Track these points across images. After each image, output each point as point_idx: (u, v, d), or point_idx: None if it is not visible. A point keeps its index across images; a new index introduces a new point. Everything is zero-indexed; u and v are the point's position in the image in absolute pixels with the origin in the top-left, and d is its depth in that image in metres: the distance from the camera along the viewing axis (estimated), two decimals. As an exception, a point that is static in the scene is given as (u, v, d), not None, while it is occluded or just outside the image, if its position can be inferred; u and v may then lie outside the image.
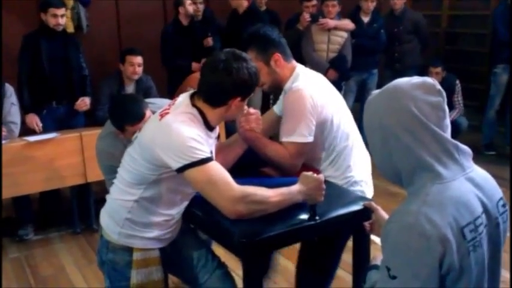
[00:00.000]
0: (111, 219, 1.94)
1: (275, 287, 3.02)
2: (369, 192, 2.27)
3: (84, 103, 4.03)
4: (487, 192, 1.30)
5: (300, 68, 2.22)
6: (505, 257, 1.38)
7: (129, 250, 1.93)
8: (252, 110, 2.10)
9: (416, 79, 1.31)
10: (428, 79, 1.31)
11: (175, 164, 1.71)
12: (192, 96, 1.86)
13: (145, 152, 1.80)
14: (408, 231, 1.20)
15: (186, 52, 4.83)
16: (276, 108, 2.39)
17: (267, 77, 2.15)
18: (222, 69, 1.75)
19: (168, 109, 1.84)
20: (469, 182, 1.28)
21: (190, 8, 4.84)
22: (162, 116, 1.81)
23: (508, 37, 5.02)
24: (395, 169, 1.31)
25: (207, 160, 1.71)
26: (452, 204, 1.22)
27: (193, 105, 1.83)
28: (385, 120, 1.28)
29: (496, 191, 1.34)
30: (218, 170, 1.73)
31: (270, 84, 2.19)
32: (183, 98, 1.87)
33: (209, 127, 1.84)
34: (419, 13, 5.73)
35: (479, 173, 1.34)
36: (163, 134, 1.75)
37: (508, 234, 1.36)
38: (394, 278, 1.21)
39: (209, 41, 4.87)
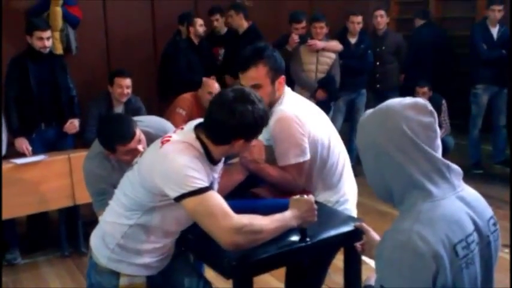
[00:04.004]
0: (102, 243, 1.92)
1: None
2: (355, 212, 2.29)
3: (73, 126, 4.01)
4: (478, 210, 1.32)
5: (288, 91, 2.23)
6: (497, 277, 1.39)
7: (116, 274, 1.91)
8: (254, 141, 2.10)
9: (408, 100, 1.33)
10: (420, 100, 1.34)
11: (173, 193, 1.69)
12: (197, 127, 1.82)
13: (144, 180, 1.78)
14: (402, 249, 1.21)
15: (198, 69, 4.91)
16: (262, 138, 2.40)
17: (268, 97, 2.10)
18: (227, 109, 1.71)
19: (170, 137, 1.80)
20: (459, 200, 1.30)
21: (201, 29, 4.99)
22: (162, 143, 1.78)
23: (489, 56, 5.09)
24: (388, 188, 1.32)
25: (204, 190, 1.69)
26: (443, 222, 1.23)
27: (198, 137, 1.78)
28: (377, 139, 1.30)
29: (487, 210, 1.36)
30: (216, 200, 1.70)
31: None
32: (188, 129, 1.83)
33: (212, 161, 1.81)
34: (400, 35, 5.81)
35: (470, 192, 1.36)
36: (161, 163, 1.73)
37: (504, 255, 1.37)
38: None
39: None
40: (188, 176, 1.68)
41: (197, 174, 1.69)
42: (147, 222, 1.84)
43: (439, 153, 1.31)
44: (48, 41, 3.86)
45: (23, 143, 3.80)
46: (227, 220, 1.66)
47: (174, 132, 1.86)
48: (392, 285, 1.21)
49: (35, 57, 3.86)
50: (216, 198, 1.71)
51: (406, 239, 1.21)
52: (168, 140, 1.78)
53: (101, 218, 2.01)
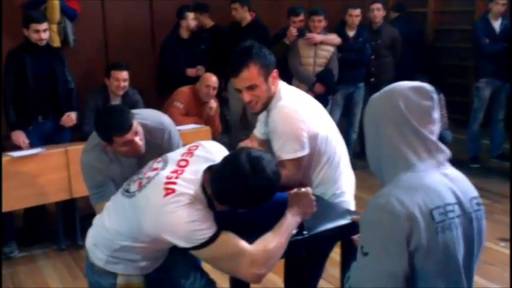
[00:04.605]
0: (97, 248, 1.92)
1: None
2: (353, 204, 2.31)
3: (70, 119, 3.99)
4: (461, 187, 1.38)
5: (283, 85, 2.23)
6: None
7: (114, 273, 1.91)
8: (249, 142, 2.08)
9: (415, 82, 1.42)
10: (426, 85, 1.41)
11: (184, 245, 1.69)
12: (205, 172, 1.75)
13: (142, 225, 1.74)
14: (380, 211, 1.30)
15: (185, 62, 4.95)
16: (258, 132, 2.39)
17: (264, 94, 2.11)
18: (242, 183, 1.64)
19: (175, 183, 1.72)
20: (442, 176, 1.36)
21: (192, 23, 4.98)
22: (167, 192, 1.70)
23: (491, 49, 5.09)
24: (379, 160, 1.40)
25: (214, 236, 1.67)
26: (422, 189, 1.31)
27: (204, 190, 1.73)
28: (376, 113, 1.40)
29: (470, 190, 1.41)
30: (228, 242, 1.68)
31: (264, 102, 2.14)
32: (194, 174, 1.75)
33: (213, 209, 1.77)
34: (395, 29, 5.77)
35: (455, 172, 1.42)
36: (165, 216, 1.68)
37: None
38: (366, 254, 1.30)
39: (193, 72, 4.91)
40: (196, 230, 1.66)
41: (204, 225, 1.68)
42: (139, 246, 1.82)
43: (432, 137, 1.36)
44: (44, 33, 3.83)
45: (20, 136, 3.78)
46: (245, 258, 1.66)
47: (180, 167, 1.78)
48: (370, 245, 1.30)
49: (31, 50, 3.84)
50: (228, 239, 1.69)
51: (385, 202, 1.30)
52: (173, 190, 1.70)
53: (95, 221, 1.99)
